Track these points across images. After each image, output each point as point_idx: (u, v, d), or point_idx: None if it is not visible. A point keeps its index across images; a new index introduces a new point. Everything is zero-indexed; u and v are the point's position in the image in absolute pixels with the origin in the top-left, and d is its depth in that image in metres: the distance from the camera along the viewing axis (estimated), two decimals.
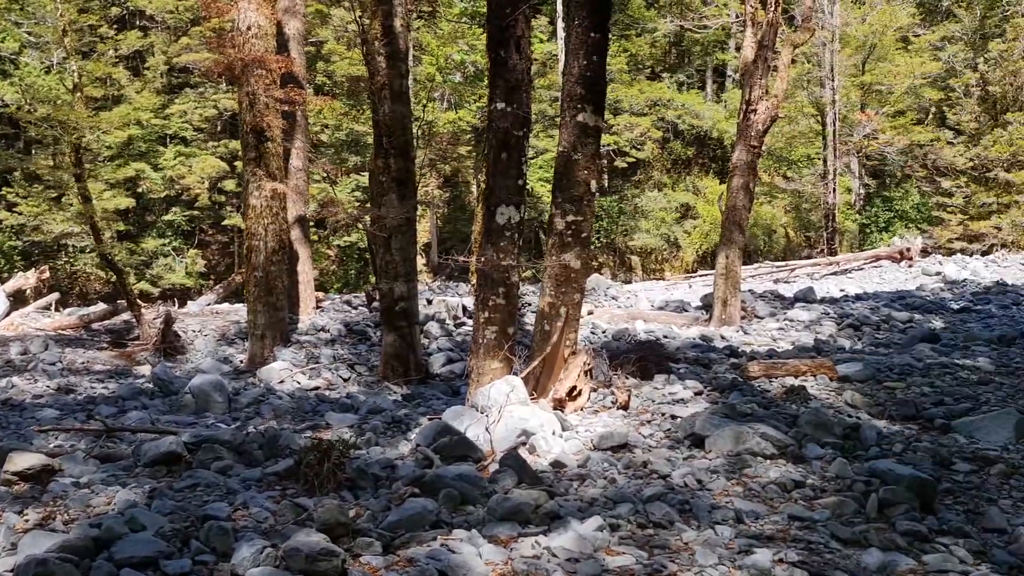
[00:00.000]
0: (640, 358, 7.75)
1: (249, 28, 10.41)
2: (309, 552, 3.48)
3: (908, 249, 23.49)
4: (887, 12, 29.12)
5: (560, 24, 26.47)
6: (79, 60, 13.63)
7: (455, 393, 9.32)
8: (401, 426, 7.29)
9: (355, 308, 14.50)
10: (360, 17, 9.69)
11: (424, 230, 28.79)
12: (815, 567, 3.78)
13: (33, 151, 26.69)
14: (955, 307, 13.68)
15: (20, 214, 24.17)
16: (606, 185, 32.21)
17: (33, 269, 15.83)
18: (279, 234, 11.03)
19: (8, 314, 13.20)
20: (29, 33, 22.29)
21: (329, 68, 26.60)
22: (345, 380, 10.31)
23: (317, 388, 9.82)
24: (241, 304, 15.65)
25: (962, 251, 25.85)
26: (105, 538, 3.57)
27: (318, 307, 14.01)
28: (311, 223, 15.70)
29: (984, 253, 25.25)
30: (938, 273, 19.93)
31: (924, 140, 28.73)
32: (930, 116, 31.28)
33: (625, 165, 31.01)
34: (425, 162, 24.27)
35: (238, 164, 25.30)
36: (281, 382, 9.89)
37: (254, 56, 10.24)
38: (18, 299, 14.11)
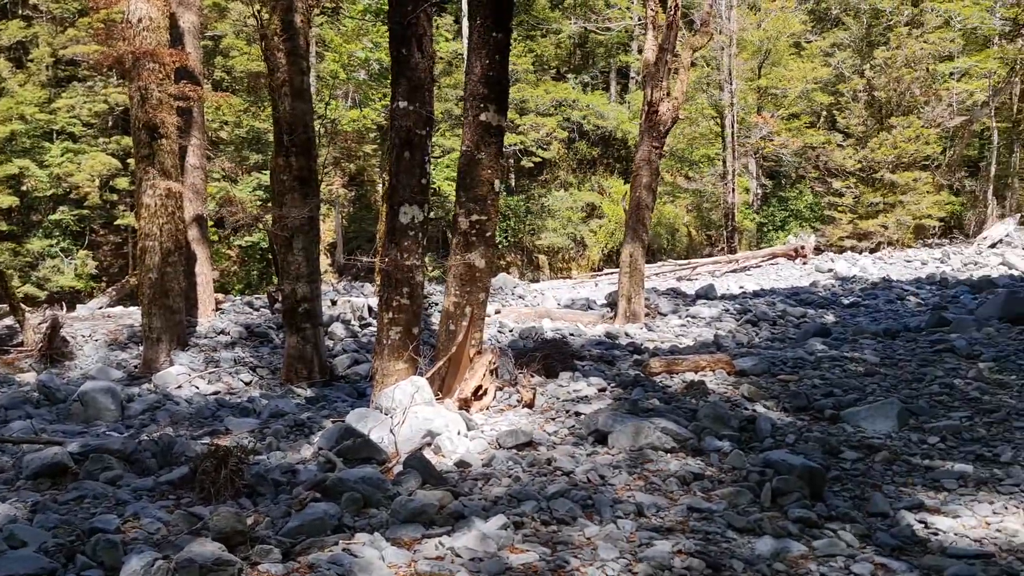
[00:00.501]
0: (545, 356, 7.82)
1: (140, 20, 10.01)
2: (203, 562, 3.36)
3: (802, 247, 24.45)
4: (781, 19, 30.24)
5: (465, 23, 26.46)
6: None
7: (360, 395, 9.20)
8: (304, 430, 7.15)
9: (257, 310, 14.13)
10: (259, 12, 9.44)
11: (329, 229, 28.32)
12: (712, 556, 3.89)
13: None
14: (846, 302, 14.31)
15: None
16: (513, 184, 32.38)
17: None
18: (175, 234, 10.65)
19: None
20: None
21: (228, 63, 25.83)
22: (247, 384, 10.05)
23: (217, 393, 9.54)
24: (136, 307, 15.04)
25: (852, 249, 27.07)
26: None
27: (218, 309, 13.59)
28: (210, 223, 15.24)
29: (872, 250, 26.50)
30: (830, 270, 20.83)
31: (816, 142, 29.94)
32: (822, 119, 32.63)
33: (531, 165, 31.23)
34: (329, 160, 23.88)
35: (131, 162, 24.32)
36: (179, 387, 9.56)
37: (145, 50, 9.85)
38: None
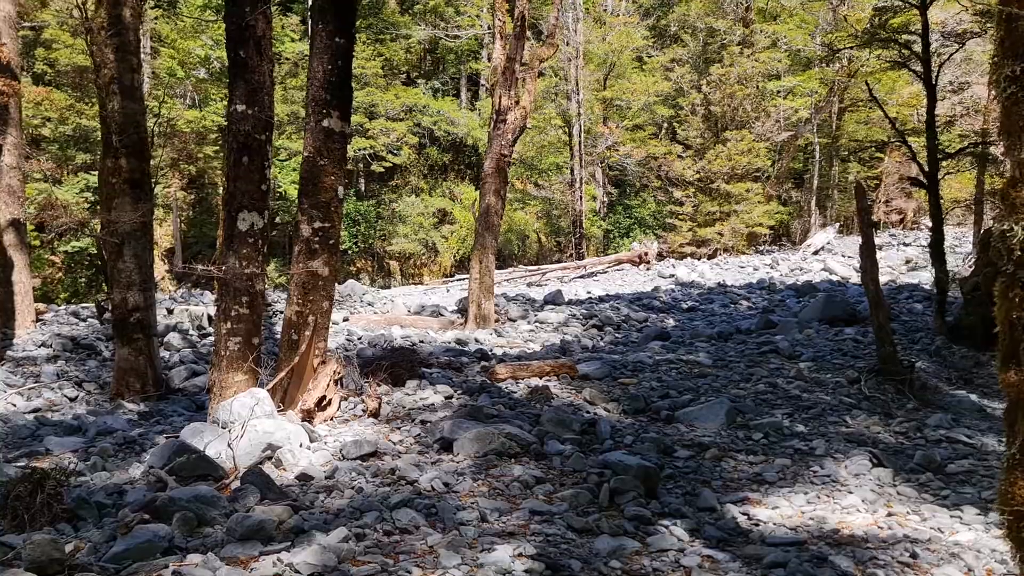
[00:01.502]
0: (392, 364, 7.77)
1: None
2: None
3: (646, 253, 25.47)
4: (624, 33, 31.46)
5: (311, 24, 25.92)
6: None
7: (200, 408, 8.79)
8: (135, 447, 6.76)
9: (84, 320, 13.23)
10: (83, 4, 8.87)
11: (166, 234, 26.95)
12: (551, 558, 3.98)
13: None
14: (684, 307, 15.01)
15: None
16: (363, 189, 31.98)
17: None
18: None
19: None
20: None
21: (51, 56, 24.10)
22: (72, 400, 9.38)
23: (37, 410, 8.84)
24: None
25: (692, 255, 28.48)
26: None
27: (39, 320, 12.62)
28: (31, 227, 14.14)
29: (710, 257, 27.97)
30: (672, 275, 21.80)
31: (658, 153, 31.33)
32: (663, 131, 34.19)
33: (382, 170, 30.95)
34: (166, 162, 22.73)
35: None
36: None
37: None
38: None
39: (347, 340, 12.14)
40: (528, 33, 15.25)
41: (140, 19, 9.28)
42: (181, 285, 24.53)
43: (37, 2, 23.09)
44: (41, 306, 13.68)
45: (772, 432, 6.19)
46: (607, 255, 28.57)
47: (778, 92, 29.91)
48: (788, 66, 30.28)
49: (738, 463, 5.61)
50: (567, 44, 29.21)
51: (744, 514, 4.71)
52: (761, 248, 29.10)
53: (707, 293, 16.94)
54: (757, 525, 4.57)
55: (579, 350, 10.54)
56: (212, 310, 12.84)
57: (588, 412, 6.76)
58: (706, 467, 5.51)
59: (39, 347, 11.17)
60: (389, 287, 26.73)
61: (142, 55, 10.68)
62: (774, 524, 4.57)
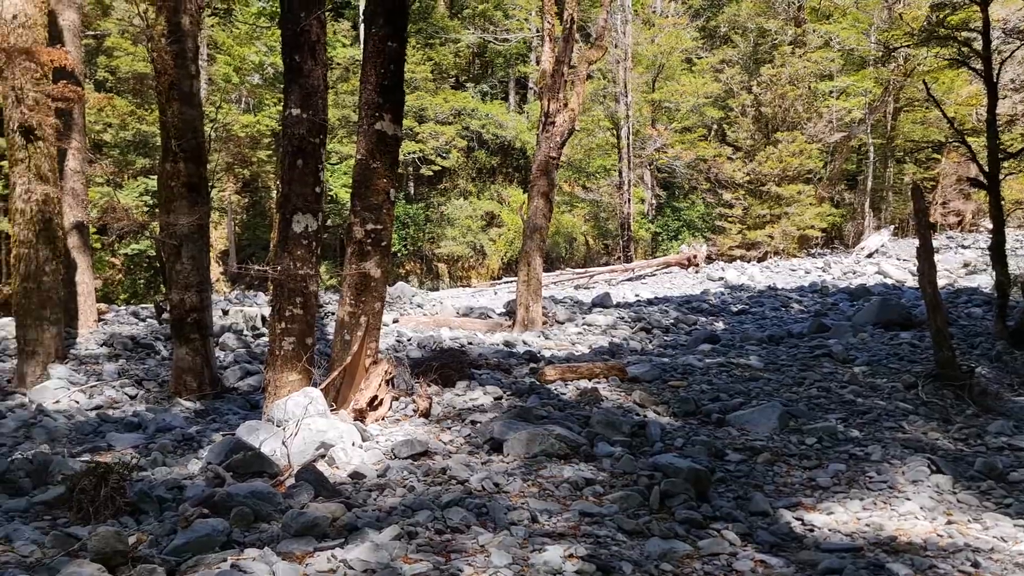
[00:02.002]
0: (442, 365, 7.83)
1: (15, 17, 9.51)
2: None
3: (695, 256, 25.26)
4: (674, 35, 31.25)
5: (363, 29, 26.27)
6: None
7: (253, 407, 8.97)
8: (192, 444, 6.92)
9: (143, 320, 13.58)
10: (144, 12, 9.12)
11: (221, 237, 27.52)
12: (602, 559, 3.98)
13: None
14: (734, 310, 14.85)
15: None
16: (412, 192, 32.25)
17: None
18: (53, 241, 10.13)
19: None
20: None
21: (112, 63, 24.81)
22: (132, 398, 9.64)
23: (99, 407, 9.10)
24: (8, 319, 14.19)
25: (741, 258, 28.17)
26: None
27: (100, 320, 12.99)
28: (93, 229, 14.57)
29: (760, 260, 27.63)
30: (721, 278, 21.58)
31: (708, 155, 31.04)
32: (712, 133, 33.86)
33: (431, 173, 31.20)
34: (221, 166, 23.21)
35: (3, 164, 23.00)
36: (56, 402, 9.08)
37: (21, 47, 9.36)
38: None
39: (397, 341, 12.26)
40: (576, 36, 15.24)
41: (199, 26, 9.50)
42: (235, 287, 25.04)
43: (99, 11, 23.78)
44: (103, 306, 14.07)
45: (826, 437, 6.10)
46: (655, 258, 28.39)
47: (831, 92, 29.42)
48: (841, 66, 29.76)
49: (791, 467, 5.54)
50: (616, 46, 29.11)
51: (798, 519, 4.65)
52: (813, 251, 28.64)
53: (757, 296, 16.73)
54: (811, 531, 4.50)
55: (628, 353, 10.50)
56: (266, 311, 13.09)
57: (638, 414, 6.74)
58: (758, 471, 5.45)
59: (101, 346, 11.50)
60: (437, 289, 26.93)
61: (200, 62, 10.91)
62: (829, 530, 4.51)
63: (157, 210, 12.73)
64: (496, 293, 22.45)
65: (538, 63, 30.11)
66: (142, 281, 25.83)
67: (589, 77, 24.21)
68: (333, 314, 13.94)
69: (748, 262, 26.81)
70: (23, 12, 9.49)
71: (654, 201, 33.44)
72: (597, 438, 5.90)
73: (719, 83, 31.53)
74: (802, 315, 13.60)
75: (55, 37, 11.20)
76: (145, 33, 9.10)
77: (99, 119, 22.81)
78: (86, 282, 12.34)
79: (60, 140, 10.37)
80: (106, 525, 4.19)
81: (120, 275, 25.75)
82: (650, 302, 17.09)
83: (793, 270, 22.65)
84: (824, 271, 21.68)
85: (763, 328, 12.16)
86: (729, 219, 29.61)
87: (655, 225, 32.23)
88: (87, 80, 17.20)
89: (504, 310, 15.93)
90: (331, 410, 6.45)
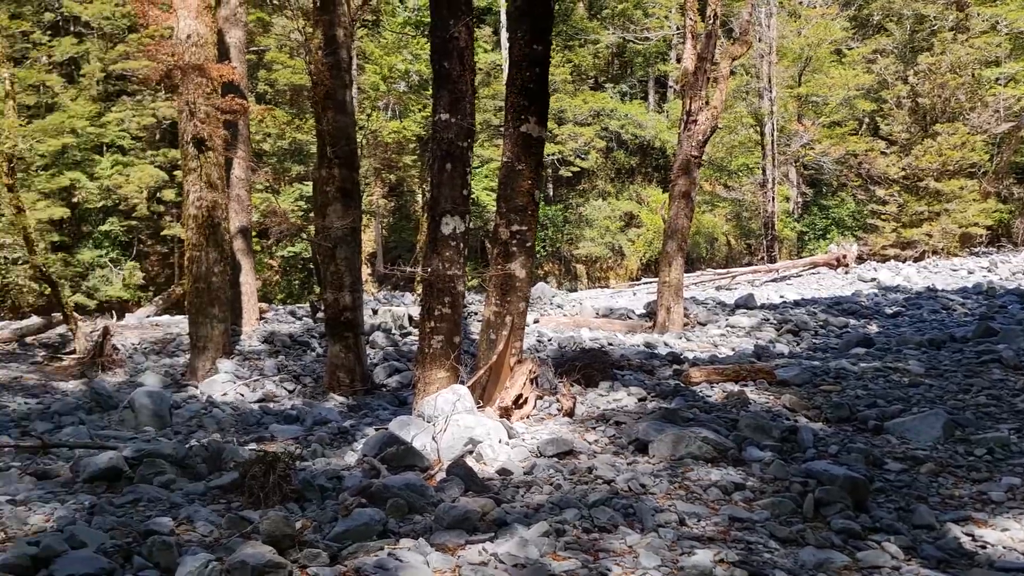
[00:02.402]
0: (585, 365, 7.85)
1: (189, 36, 10.27)
2: (255, 564, 3.46)
3: (844, 256, 24.16)
4: (822, 26, 29.98)
5: (504, 34, 26.67)
6: (11, 67, 13.26)
7: (401, 403, 9.31)
8: (347, 437, 7.26)
9: (299, 319, 14.35)
10: (303, 27, 9.64)
11: (369, 239, 28.64)
12: (754, 566, 3.89)
13: None
14: (889, 312, 14.12)
15: None
16: (551, 194, 32.46)
17: None
18: (221, 245, 10.88)
19: None
20: None
21: (271, 77, 26.33)
22: (290, 392, 10.22)
23: (261, 400, 9.71)
24: (181, 316, 15.35)
25: (895, 257, 26.69)
26: (44, 556, 3.50)
27: (261, 318, 13.83)
28: (253, 233, 15.51)
29: (916, 259, 26.09)
30: (873, 279, 20.55)
31: (858, 150, 29.59)
32: (864, 127, 32.24)
33: (569, 174, 31.29)
34: (370, 171, 24.16)
35: (177, 173, 24.83)
36: (224, 395, 9.76)
37: (194, 64, 10.10)
38: None
39: (537, 341, 12.39)
40: (719, 31, 14.91)
41: (352, 38, 9.95)
42: (382, 287, 26.00)
43: (261, 28, 25.29)
44: (264, 305, 14.97)
45: (997, 448, 5.70)
46: (801, 258, 27.35)
47: (997, 80, 27.39)
48: (1009, 51, 27.65)
49: (958, 480, 5.22)
50: (759, 40, 28.26)
51: (967, 534, 4.37)
52: (977, 250, 26.77)
53: (914, 298, 15.82)
54: (984, 547, 4.23)
55: (774, 355, 10.18)
56: (412, 311, 13.54)
57: (788, 419, 6.53)
58: (921, 482, 5.17)
59: (262, 343, 12.23)
60: (576, 290, 26.99)
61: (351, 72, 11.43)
62: (1004, 547, 4.22)
63: (312, 214, 13.46)
64: (635, 294, 22.27)
65: (679, 61, 29.66)
66: (297, 282, 27.29)
67: (732, 73, 23.64)
68: (475, 314, 14.27)
69: (903, 262, 25.38)
70: (196, 32, 10.24)
71: (800, 199, 32.21)
72: (746, 442, 5.76)
73: (871, 74, 29.99)
74: (966, 318, 12.76)
75: (223, 54, 12.02)
76: (303, 46, 9.62)
77: (259, 130, 24.25)
78: (249, 283, 13.17)
79: (228, 150, 11.11)
80: (275, 510, 4.46)
81: (277, 276, 27.30)
82: (796, 303, 16.49)
83: (954, 270, 21.27)
84: (990, 271, 20.24)
85: (922, 331, 11.50)
86: (882, 217, 28.13)
87: (801, 224, 31.03)
88: (249, 93, 18.33)
89: (644, 311, 15.79)
90: (477, 407, 6.60)
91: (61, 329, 12.92)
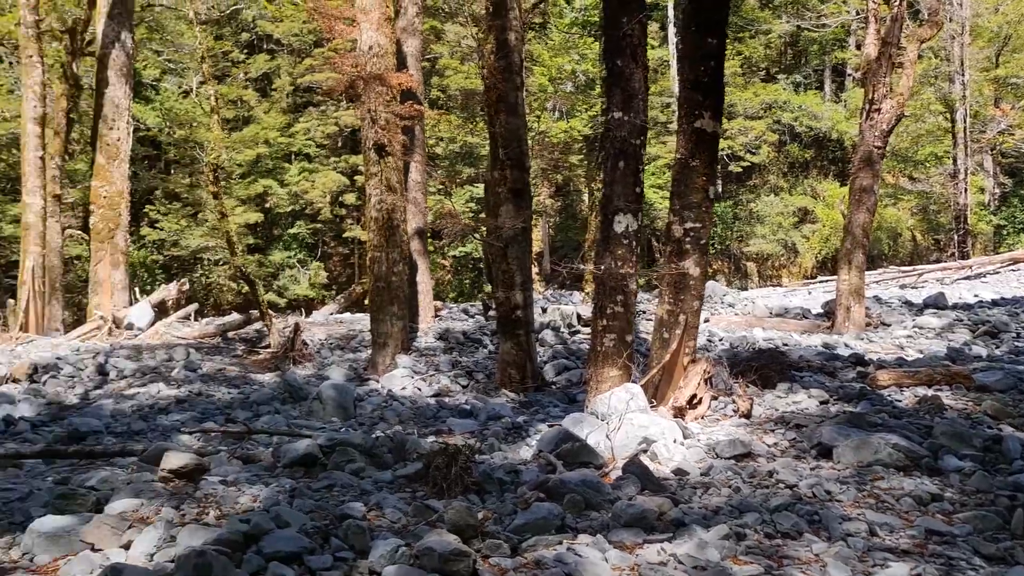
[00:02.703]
0: (761, 366, 7.62)
1: (371, 48, 10.82)
2: (442, 552, 3.61)
3: None
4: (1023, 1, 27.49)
5: (672, 29, 26.26)
6: (216, 84, 14.49)
7: (571, 401, 9.38)
8: (521, 432, 7.41)
9: (472, 317, 14.78)
10: (476, 33, 9.93)
11: (536, 239, 29.05)
12: None
13: (172, 171, 28.50)
14: None
15: (161, 230, 25.85)
16: (720, 190, 31.63)
17: (174, 282, 16.89)
18: (400, 246, 11.38)
19: (153, 324, 14.13)
20: (168, 60, 23.82)
21: (443, 83, 27.26)
22: (463, 387, 10.53)
23: (437, 395, 10.07)
24: (362, 314, 16.20)
25: None
26: (254, 533, 3.81)
27: (436, 316, 14.35)
28: (428, 234, 16.13)
29: None
30: None
31: None
32: None
33: (740, 169, 30.37)
34: (536, 172, 24.50)
35: (358, 178, 26.31)
36: (402, 389, 10.20)
37: (375, 74, 10.63)
38: (161, 310, 15.07)
39: (708, 341, 12.13)
40: (905, 13, 14.00)
41: (523, 41, 10.14)
42: (549, 286, 26.31)
43: (433, 36, 26.27)
44: (438, 304, 15.55)
45: None
46: (999, 253, 25.19)
47: None
48: None
49: None
50: (950, 20, 26.26)
51: None
52: None
53: None
54: None
55: (970, 359, 9.45)
56: (581, 309, 13.61)
57: (990, 427, 6.05)
58: None
59: (437, 340, 12.69)
60: (746, 288, 26.17)
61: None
62: None
63: (482, 215, 13.84)
64: (810, 293, 21.29)
65: (858, 48, 28.10)
66: (468, 281, 28.14)
67: (919, 57, 22.13)
68: (644, 313, 14.15)
69: None
70: (377, 43, 10.78)
71: (997, 190, 29.71)
72: (942, 450, 5.39)
73: None
74: None
75: (401, 63, 12.57)
76: (476, 52, 9.90)
77: (432, 134, 25.19)
78: (425, 282, 13.72)
79: (406, 155, 11.62)
80: (458, 500, 4.64)
81: (449, 276, 28.26)
82: (995, 303, 15.22)
83: None
84: None
85: None
86: None
87: (998, 217, 28.59)
88: (423, 99, 19.11)
89: (821, 311, 15.09)
90: (650, 407, 6.56)
91: (257, 325, 13.97)
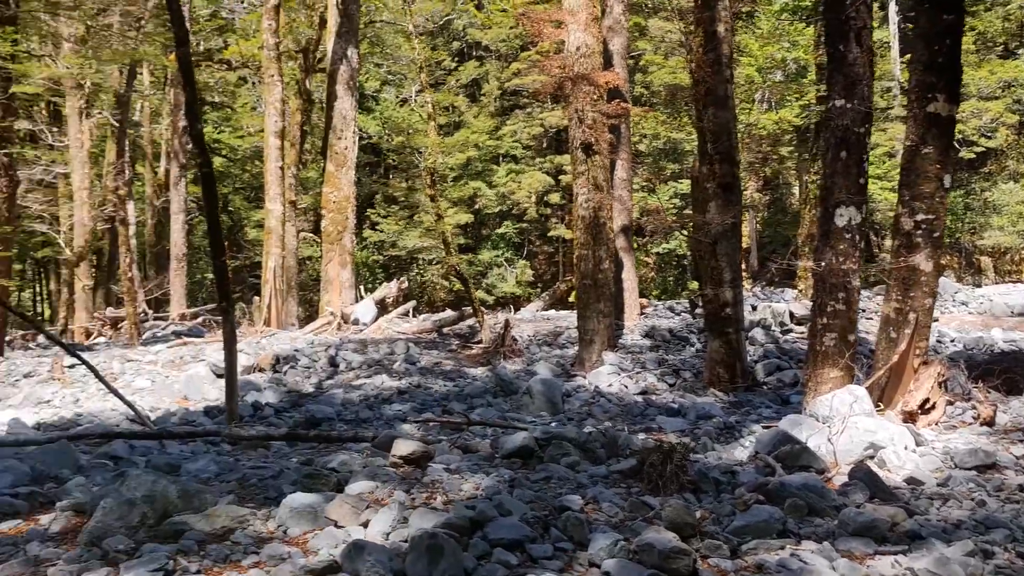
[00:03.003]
0: (1005, 369, 6.97)
1: (578, 48, 10.96)
2: (662, 549, 3.60)
3: None
4: None
5: (892, 8, 24.50)
6: (432, 92, 15.26)
7: (784, 402, 9.03)
8: (733, 432, 7.23)
9: (677, 314, 14.57)
10: (683, 27, 9.78)
11: (744, 234, 28.13)
12: None
13: (391, 176, 30.36)
14: None
15: (381, 232, 27.62)
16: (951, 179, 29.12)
17: (394, 280, 17.98)
18: (606, 243, 11.44)
19: (376, 320, 15.12)
20: (388, 72, 25.38)
21: (647, 79, 27.02)
22: (670, 385, 10.42)
23: (644, 392, 10.03)
24: (567, 311, 16.44)
25: None
26: (479, 519, 3.98)
27: (642, 313, 14.29)
28: (633, 231, 16.07)
29: None
30: None
31: None
32: None
33: (972, 155, 27.71)
34: (744, 166, 23.70)
35: (562, 178, 26.71)
36: (609, 385, 10.24)
37: (582, 74, 10.75)
38: (382, 307, 16.09)
39: (938, 342, 11.25)
40: None
41: (732, 32, 9.88)
42: (756, 283, 25.39)
43: (637, 32, 26.13)
44: (644, 301, 15.47)
45: None
46: None
47: None
48: None
49: None
50: None
51: None
52: None
53: None
54: None
55: None
56: (794, 307, 13.05)
57: None
58: None
59: (643, 337, 12.64)
60: (980, 285, 23.89)
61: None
62: None
63: (686, 211, 13.60)
64: None
65: None
66: (671, 278, 27.75)
67: None
68: (865, 311, 13.32)
69: None
70: (584, 43, 10.89)
71: None
72: None
73: None
74: None
75: (607, 61, 12.62)
76: (684, 45, 9.76)
77: (636, 131, 25.07)
78: (630, 279, 13.70)
79: (612, 153, 11.66)
80: (674, 498, 4.61)
81: (652, 273, 28.01)
82: None
83: None
84: None
85: None
86: None
87: None
88: (628, 96, 19.04)
89: None
90: (876, 410, 6.19)
91: (470, 321, 14.56)
